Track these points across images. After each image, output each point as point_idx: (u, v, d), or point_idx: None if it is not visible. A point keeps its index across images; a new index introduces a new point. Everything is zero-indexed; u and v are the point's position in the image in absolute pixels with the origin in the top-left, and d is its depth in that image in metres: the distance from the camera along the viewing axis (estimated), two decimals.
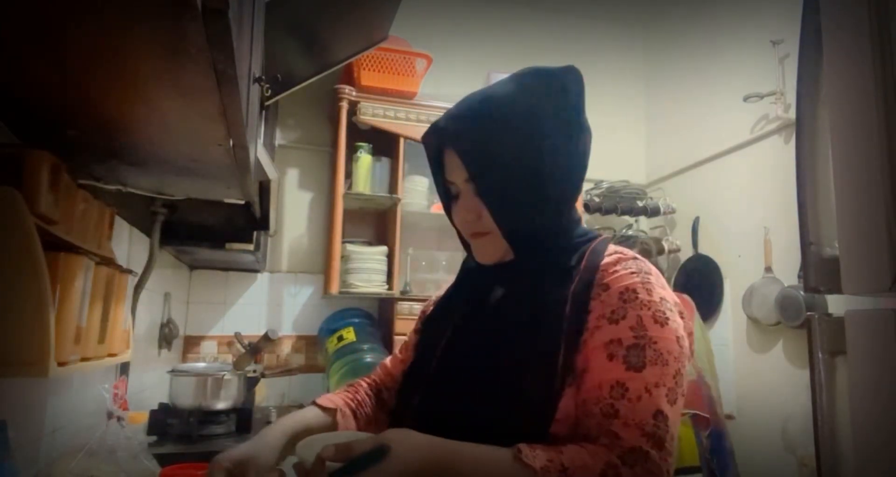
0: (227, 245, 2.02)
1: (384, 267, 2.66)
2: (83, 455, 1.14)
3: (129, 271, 1.31)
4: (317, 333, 2.78)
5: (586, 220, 3.10)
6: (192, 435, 1.68)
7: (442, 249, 2.94)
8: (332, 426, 0.94)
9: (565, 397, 0.76)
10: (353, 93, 2.67)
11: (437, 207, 2.75)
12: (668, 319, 0.77)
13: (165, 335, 2.21)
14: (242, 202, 1.64)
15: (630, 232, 3.10)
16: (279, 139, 2.86)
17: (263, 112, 1.63)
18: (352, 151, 2.67)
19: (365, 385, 1.06)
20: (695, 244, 2.92)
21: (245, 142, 1.01)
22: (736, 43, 2.80)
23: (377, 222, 2.96)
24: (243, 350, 1.98)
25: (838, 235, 0.90)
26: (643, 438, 0.70)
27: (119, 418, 1.21)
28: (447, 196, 0.92)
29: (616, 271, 0.82)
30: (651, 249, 2.80)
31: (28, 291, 0.82)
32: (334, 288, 2.56)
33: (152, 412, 1.72)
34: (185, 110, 0.86)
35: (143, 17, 0.60)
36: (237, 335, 2.17)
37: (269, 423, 1.22)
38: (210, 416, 1.77)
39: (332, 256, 2.60)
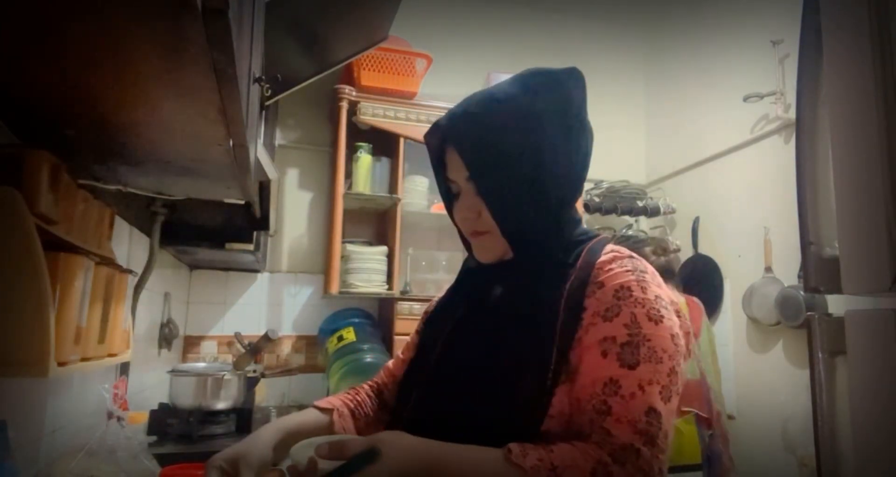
0: (227, 245, 2.02)
1: (384, 267, 2.66)
2: (83, 455, 1.14)
3: (129, 271, 1.31)
4: (317, 333, 2.78)
5: (586, 220, 3.10)
6: (192, 435, 1.68)
7: (442, 249, 2.94)
8: (329, 426, 0.94)
9: (559, 394, 0.76)
10: (353, 93, 2.67)
11: (438, 207, 2.75)
12: (662, 316, 0.78)
13: (165, 335, 2.21)
14: (242, 202, 1.64)
15: (630, 232, 3.10)
16: (279, 139, 2.86)
17: (263, 112, 1.63)
18: (352, 151, 2.67)
19: (367, 387, 1.07)
20: (695, 244, 2.92)
21: (245, 142, 1.01)
22: (736, 43, 2.79)
23: (377, 222, 2.96)
24: (243, 350, 1.99)
25: (838, 235, 0.90)
26: (635, 436, 0.71)
27: (119, 418, 1.21)
28: (448, 195, 0.92)
29: (611, 269, 0.82)
30: (667, 247, 2.78)
31: (28, 291, 0.82)
32: (334, 288, 2.56)
33: (152, 412, 1.72)
34: (185, 110, 0.86)
35: (143, 16, 0.60)
36: (237, 335, 2.17)
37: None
38: (210, 416, 1.77)
39: (332, 256, 2.60)
